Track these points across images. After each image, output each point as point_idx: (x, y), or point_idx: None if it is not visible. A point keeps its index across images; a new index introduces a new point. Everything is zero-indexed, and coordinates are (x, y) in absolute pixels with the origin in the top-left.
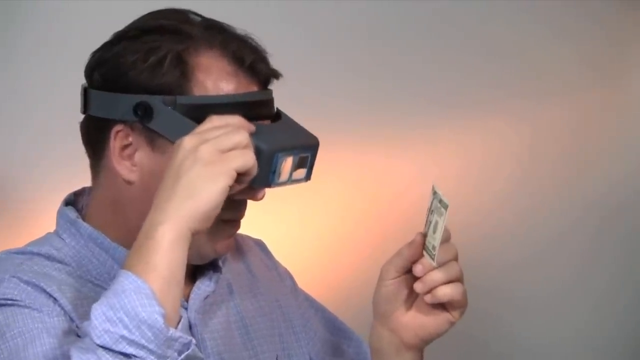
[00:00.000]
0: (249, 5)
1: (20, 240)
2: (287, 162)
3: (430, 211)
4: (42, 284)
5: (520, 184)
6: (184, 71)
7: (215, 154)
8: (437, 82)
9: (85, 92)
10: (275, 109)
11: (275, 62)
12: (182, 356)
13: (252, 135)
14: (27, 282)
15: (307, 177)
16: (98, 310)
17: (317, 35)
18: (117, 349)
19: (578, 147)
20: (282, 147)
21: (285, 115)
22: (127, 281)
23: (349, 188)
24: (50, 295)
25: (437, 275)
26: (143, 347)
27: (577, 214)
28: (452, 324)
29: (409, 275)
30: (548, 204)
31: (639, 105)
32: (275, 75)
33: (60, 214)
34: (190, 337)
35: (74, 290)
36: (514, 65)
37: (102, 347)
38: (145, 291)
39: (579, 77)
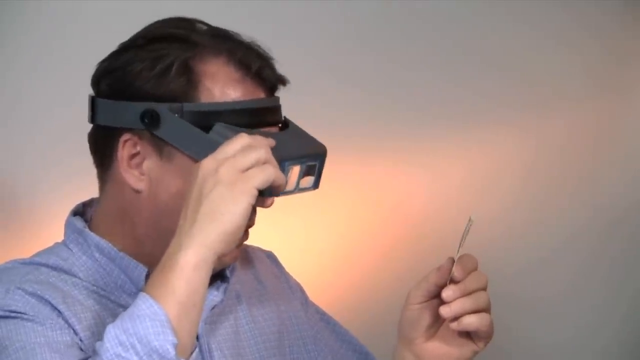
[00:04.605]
0: (252, 14)
1: (28, 249)
2: (295, 171)
3: (464, 238)
4: (47, 296)
5: (523, 194)
6: (190, 79)
7: (234, 174)
8: (440, 93)
9: (93, 102)
10: (283, 117)
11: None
12: None
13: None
14: (32, 294)
15: (315, 185)
16: (112, 333)
17: (321, 46)
18: None
19: (581, 157)
20: (290, 156)
21: (293, 124)
22: (144, 305)
23: (353, 198)
24: (55, 308)
25: (464, 302)
26: None
27: (580, 223)
28: (475, 353)
29: (435, 300)
30: (551, 214)
31: None
32: (283, 81)
33: (67, 224)
34: None
35: (79, 303)
36: (516, 76)
37: None
38: (161, 318)
39: (582, 87)
